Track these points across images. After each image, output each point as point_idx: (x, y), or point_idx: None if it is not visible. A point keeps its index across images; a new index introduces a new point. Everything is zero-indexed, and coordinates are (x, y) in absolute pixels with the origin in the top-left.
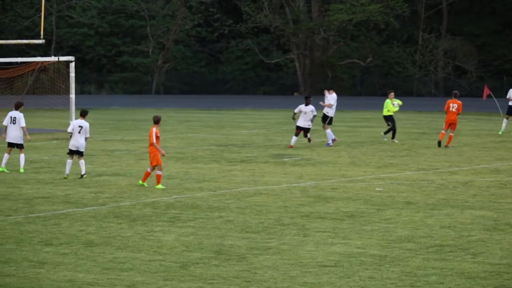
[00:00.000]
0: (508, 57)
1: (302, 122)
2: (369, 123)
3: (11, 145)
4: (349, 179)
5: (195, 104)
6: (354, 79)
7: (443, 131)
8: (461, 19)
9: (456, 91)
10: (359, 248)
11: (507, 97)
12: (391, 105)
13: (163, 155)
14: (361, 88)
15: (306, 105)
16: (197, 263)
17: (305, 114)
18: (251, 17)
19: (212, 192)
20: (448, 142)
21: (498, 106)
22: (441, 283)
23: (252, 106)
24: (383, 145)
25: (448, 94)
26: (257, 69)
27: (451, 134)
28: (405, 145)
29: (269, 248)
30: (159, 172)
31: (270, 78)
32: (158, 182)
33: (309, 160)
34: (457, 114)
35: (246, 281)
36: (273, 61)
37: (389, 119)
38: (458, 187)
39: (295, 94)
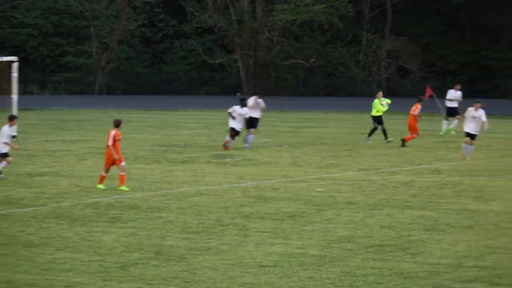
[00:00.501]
0: (452, 58)
1: (236, 124)
2: (312, 123)
3: None
4: (290, 179)
5: (138, 104)
6: (297, 79)
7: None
8: (405, 20)
9: (421, 97)
10: (299, 248)
11: (447, 97)
12: (380, 105)
13: (115, 159)
14: (305, 88)
15: (242, 106)
16: (137, 264)
17: (240, 115)
18: (196, 17)
19: (153, 193)
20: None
21: (440, 106)
22: (380, 283)
23: (195, 107)
24: (325, 146)
25: (391, 94)
26: (201, 69)
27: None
28: (347, 145)
29: (209, 249)
30: (122, 173)
31: (213, 79)
32: (121, 183)
33: (251, 161)
34: (414, 117)
35: (185, 282)
36: (217, 62)
37: (377, 119)
38: (398, 187)
39: (238, 94)
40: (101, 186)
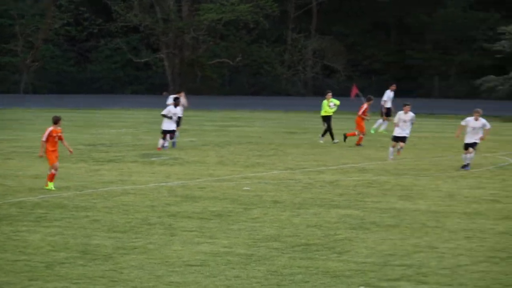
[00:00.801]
0: (377, 57)
1: (171, 124)
2: (238, 122)
3: None
4: (216, 178)
5: (64, 103)
6: (223, 78)
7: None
8: (330, 19)
9: (369, 96)
10: (225, 247)
11: (384, 98)
12: (327, 106)
13: (39, 156)
14: (230, 87)
15: (175, 106)
16: (63, 263)
17: (175, 115)
18: (121, 16)
19: (79, 192)
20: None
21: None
22: (306, 282)
23: (121, 105)
24: (251, 145)
25: (316, 93)
26: (126, 68)
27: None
28: (273, 144)
29: (136, 248)
30: (53, 171)
31: (139, 77)
32: (49, 181)
33: (177, 160)
34: (360, 117)
35: (112, 281)
36: (143, 60)
37: (325, 119)
38: (325, 186)
39: (164, 93)
40: (51, 185)
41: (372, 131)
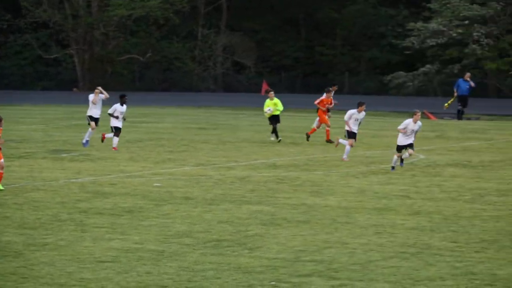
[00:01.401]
0: (287, 53)
1: (119, 122)
2: (148, 118)
3: None
4: (127, 174)
5: None
6: (133, 74)
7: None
8: (240, 15)
9: (329, 88)
10: (137, 243)
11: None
12: (266, 107)
13: None
14: (140, 83)
15: (122, 104)
16: None
17: (121, 114)
18: (30, 12)
19: None
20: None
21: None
22: (218, 278)
23: (31, 102)
24: (162, 141)
25: (227, 89)
26: (36, 64)
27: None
28: (184, 140)
29: (46, 244)
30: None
31: (49, 73)
32: None
33: (88, 156)
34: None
35: (22, 278)
36: (52, 56)
37: (274, 118)
38: (235, 182)
39: (74, 89)
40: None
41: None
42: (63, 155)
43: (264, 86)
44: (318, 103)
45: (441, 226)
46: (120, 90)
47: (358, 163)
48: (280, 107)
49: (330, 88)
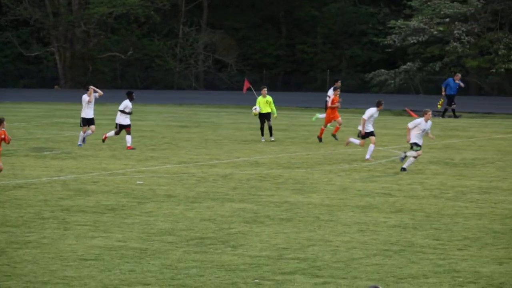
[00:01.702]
0: (267, 51)
1: (125, 119)
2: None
3: None
4: (109, 172)
5: None
6: (115, 72)
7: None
8: (221, 13)
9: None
10: (119, 241)
11: (328, 94)
12: (257, 104)
13: None
14: (122, 81)
15: (131, 100)
16: None
17: (130, 110)
18: (11, 9)
19: None
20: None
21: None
22: (201, 275)
23: (12, 99)
24: (144, 139)
25: (208, 87)
26: (17, 62)
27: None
28: (166, 138)
29: (29, 242)
30: None
31: (30, 71)
32: None
33: (70, 154)
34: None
35: (5, 276)
36: (33, 54)
37: (266, 117)
38: (218, 180)
39: (56, 87)
40: None
41: (313, 119)
42: (45, 153)
43: (246, 84)
44: (332, 101)
45: (423, 223)
46: (101, 88)
47: (340, 161)
48: (273, 106)
49: (335, 85)
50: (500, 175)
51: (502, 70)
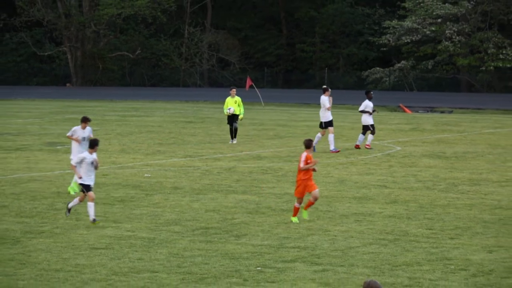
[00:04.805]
0: (268, 50)
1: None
2: (138, 112)
3: None
4: (119, 165)
5: None
6: (123, 70)
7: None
8: (224, 14)
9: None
10: (129, 231)
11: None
12: (227, 106)
13: None
14: (130, 79)
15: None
16: None
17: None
18: (25, 11)
19: None
20: None
21: (260, 96)
22: (206, 263)
23: (26, 97)
24: (152, 134)
25: (212, 84)
26: (31, 61)
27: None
28: (172, 133)
29: (43, 232)
30: None
31: (43, 70)
32: None
33: None
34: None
35: (21, 263)
36: (46, 53)
37: (230, 118)
38: (222, 173)
39: (68, 84)
40: None
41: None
42: (58, 147)
43: (248, 82)
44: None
45: (417, 214)
46: (111, 85)
47: (338, 155)
48: (242, 107)
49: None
50: (490, 168)
51: (492, 68)
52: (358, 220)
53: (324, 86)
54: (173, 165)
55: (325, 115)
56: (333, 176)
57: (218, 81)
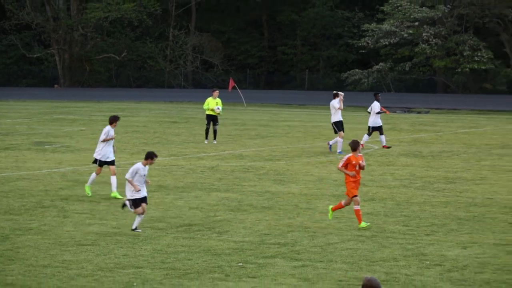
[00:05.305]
0: (251, 52)
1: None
2: (124, 112)
3: None
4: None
5: None
6: (110, 72)
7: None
8: (208, 17)
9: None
10: (114, 228)
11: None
12: (213, 107)
13: None
14: (116, 80)
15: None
16: None
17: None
18: (14, 14)
19: None
20: None
21: (242, 97)
22: (189, 259)
23: (16, 98)
24: (137, 133)
25: (196, 86)
26: (20, 63)
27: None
28: (157, 133)
29: (31, 229)
30: None
31: (32, 71)
32: None
33: (69, 147)
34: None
35: (9, 260)
36: (35, 56)
37: (210, 118)
38: (205, 172)
39: (56, 86)
40: None
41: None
42: (45, 146)
43: (231, 83)
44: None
45: (394, 211)
46: (98, 87)
47: (318, 153)
48: (221, 107)
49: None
50: (465, 166)
51: (467, 69)
52: (336, 217)
53: (335, 92)
54: (157, 164)
55: (336, 116)
56: (313, 175)
57: (202, 82)
